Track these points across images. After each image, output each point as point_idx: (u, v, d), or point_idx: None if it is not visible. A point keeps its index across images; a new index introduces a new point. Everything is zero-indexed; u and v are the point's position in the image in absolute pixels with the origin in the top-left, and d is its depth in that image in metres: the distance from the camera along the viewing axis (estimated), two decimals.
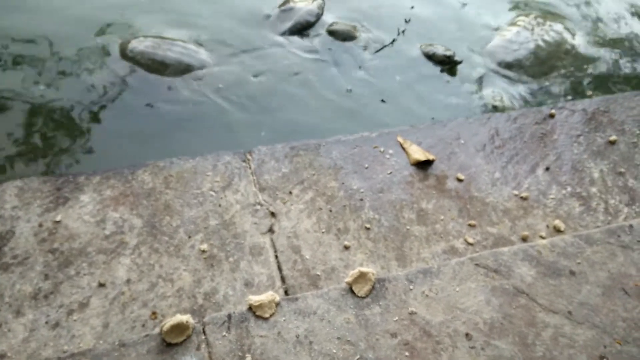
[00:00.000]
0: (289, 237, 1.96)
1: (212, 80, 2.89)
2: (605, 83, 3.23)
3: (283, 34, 3.23)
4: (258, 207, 2.04)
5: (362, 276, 1.69)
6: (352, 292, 1.68)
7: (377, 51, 3.23)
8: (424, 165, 2.24)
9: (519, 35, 3.36)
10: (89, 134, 2.59)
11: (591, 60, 3.36)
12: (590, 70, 3.29)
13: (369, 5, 3.51)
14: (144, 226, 1.94)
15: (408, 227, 2.04)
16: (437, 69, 3.18)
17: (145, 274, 1.82)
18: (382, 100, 2.96)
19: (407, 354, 1.55)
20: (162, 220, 1.96)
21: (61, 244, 1.86)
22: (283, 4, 3.39)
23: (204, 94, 2.83)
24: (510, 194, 2.18)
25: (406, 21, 3.45)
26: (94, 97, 2.74)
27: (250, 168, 2.17)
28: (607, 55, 3.41)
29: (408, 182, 2.18)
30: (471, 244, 2.00)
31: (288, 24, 3.26)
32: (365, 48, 3.23)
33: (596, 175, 2.28)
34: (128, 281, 1.79)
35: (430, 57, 3.22)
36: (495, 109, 3.00)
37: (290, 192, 2.10)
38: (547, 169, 2.28)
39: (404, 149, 2.29)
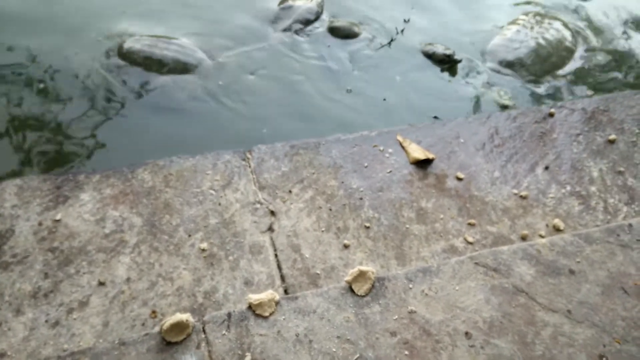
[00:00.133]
0: (289, 236, 1.96)
1: (210, 79, 2.89)
2: (605, 82, 3.23)
3: (282, 31, 3.22)
4: (258, 205, 2.04)
5: (361, 275, 1.69)
6: (352, 291, 1.68)
7: (377, 50, 3.22)
8: (423, 164, 2.24)
9: (519, 34, 3.35)
10: (88, 133, 2.58)
11: (591, 58, 3.35)
12: (590, 69, 3.29)
13: (369, 5, 3.51)
14: (143, 225, 1.94)
15: (408, 226, 2.04)
16: (437, 68, 3.18)
17: (145, 273, 1.82)
18: (383, 99, 2.96)
19: (406, 352, 1.56)
20: (161, 219, 1.96)
21: (61, 242, 1.86)
22: (282, 2, 3.39)
23: (202, 92, 2.83)
24: (509, 193, 2.18)
25: (405, 21, 3.45)
26: (92, 96, 2.73)
27: (250, 167, 2.17)
28: (607, 54, 3.40)
29: (408, 181, 2.18)
30: (471, 243, 2.01)
31: (287, 22, 3.25)
32: (365, 45, 3.23)
33: (595, 174, 2.28)
34: (128, 280, 1.79)
35: (430, 56, 3.22)
36: (495, 107, 3.00)
37: (290, 191, 2.10)
38: (547, 168, 2.28)
39: (403, 147, 2.29)
